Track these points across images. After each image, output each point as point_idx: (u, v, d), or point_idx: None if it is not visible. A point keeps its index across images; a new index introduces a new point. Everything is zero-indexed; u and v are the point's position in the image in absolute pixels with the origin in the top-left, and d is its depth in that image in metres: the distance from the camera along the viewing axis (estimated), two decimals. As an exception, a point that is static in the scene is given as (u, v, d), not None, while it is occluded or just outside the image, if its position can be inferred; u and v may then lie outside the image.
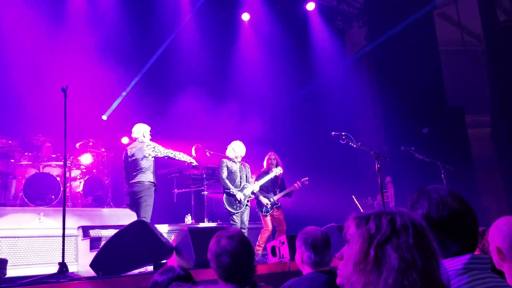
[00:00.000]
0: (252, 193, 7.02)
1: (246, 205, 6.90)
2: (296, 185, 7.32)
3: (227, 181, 6.84)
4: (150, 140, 6.60)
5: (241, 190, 6.88)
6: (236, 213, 6.80)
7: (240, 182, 6.94)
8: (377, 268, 1.10)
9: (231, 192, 6.78)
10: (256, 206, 7.24)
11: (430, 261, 1.10)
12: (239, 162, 7.06)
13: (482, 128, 11.82)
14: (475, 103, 11.82)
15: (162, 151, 6.47)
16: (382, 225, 1.15)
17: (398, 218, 1.15)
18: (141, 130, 6.58)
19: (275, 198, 7.22)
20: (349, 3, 12.70)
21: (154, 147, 6.40)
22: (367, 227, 1.17)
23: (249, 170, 7.30)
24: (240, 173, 6.98)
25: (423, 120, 10.17)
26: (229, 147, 7.10)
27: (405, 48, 10.66)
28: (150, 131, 6.69)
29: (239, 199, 6.76)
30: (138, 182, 6.18)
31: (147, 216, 6.03)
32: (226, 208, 6.82)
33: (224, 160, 7.03)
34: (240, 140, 7.15)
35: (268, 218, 7.18)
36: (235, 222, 6.79)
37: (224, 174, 6.88)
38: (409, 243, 1.10)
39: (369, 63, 13.16)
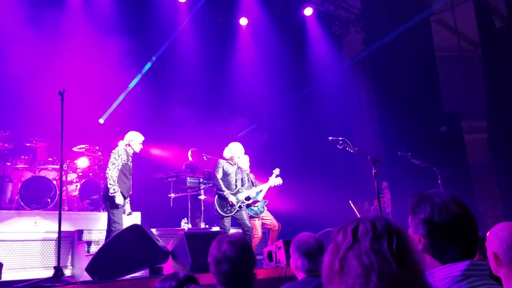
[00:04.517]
0: (247, 198, 6.91)
1: (239, 209, 6.72)
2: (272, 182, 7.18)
3: (221, 183, 6.70)
4: (141, 150, 6.41)
5: (235, 194, 6.75)
6: (226, 216, 6.67)
7: (236, 185, 6.82)
8: (344, 278, 1.11)
9: (224, 195, 6.63)
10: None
11: (388, 263, 1.09)
12: (236, 164, 6.91)
13: (478, 134, 11.87)
14: (471, 109, 11.86)
15: (111, 168, 5.98)
16: (347, 235, 1.16)
17: (361, 226, 1.16)
18: (128, 137, 6.35)
19: (261, 197, 7.10)
20: (347, 8, 12.77)
21: (115, 158, 6.06)
22: (336, 239, 1.18)
23: (250, 176, 7.23)
24: (236, 176, 6.85)
25: (420, 125, 10.21)
26: (226, 148, 6.98)
27: (402, 54, 10.70)
28: (143, 142, 6.41)
29: (231, 203, 6.62)
30: (105, 186, 6.09)
31: (110, 220, 5.90)
32: (217, 210, 6.66)
33: (220, 160, 6.89)
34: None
35: (258, 223, 7.02)
36: (225, 226, 6.65)
37: (219, 175, 6.74)
38: (367, 248, 1.11)
39: (366, 69, 13.21)
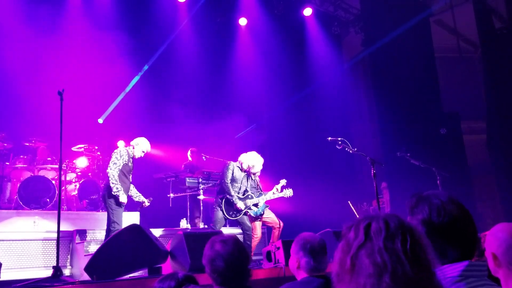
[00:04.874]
0: (256, 205, 6.83)
1: (244, 214, 6.70)
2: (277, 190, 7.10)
3: (230, 186, 6.62)
4: (142, 157, 6.37)
5: (243, 199, 6.70)
6: (229, 219, 6.69)
7: (239, 191, 6.74)
8: (355, 276, 1.10)
9: (232, 200, 6.57)
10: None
11: (402, 264, 1.07)
12: (244, 171, 6.83)
13: (477, 134, 11.86)
14: (471, 109, 11.86)
15: (113, 168, 5.99)
16: (359, 232, 1.14)
17: (373, 224, 1.14)
18: (136, 140, 6.33)
19: (263, 201, 7.05)
20: (346, 9, 12.77)
21: (116, 158, 6.04)
22: (348, 236, 1.17)
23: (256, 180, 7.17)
24: (241, 183, 6.77)
25: (419, 126, 10.21)
26: (246, 153, 6.92)
27: (402, 54, 10.70)
28: (147, 151, 6.36)
29: (238, 208, 6.59)
30: (105, 186, 6.15)
31: (109, 220, 5.93)
32: (223, 211, 6.60)
33: (231, 163, 6.80)
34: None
35: (258, 224, 6.93)
36: (217, 228, 6.59)
37: (228, 178, 6.65)
38: (380, 246, 1.09)
39: (366, 69, 13.21)
